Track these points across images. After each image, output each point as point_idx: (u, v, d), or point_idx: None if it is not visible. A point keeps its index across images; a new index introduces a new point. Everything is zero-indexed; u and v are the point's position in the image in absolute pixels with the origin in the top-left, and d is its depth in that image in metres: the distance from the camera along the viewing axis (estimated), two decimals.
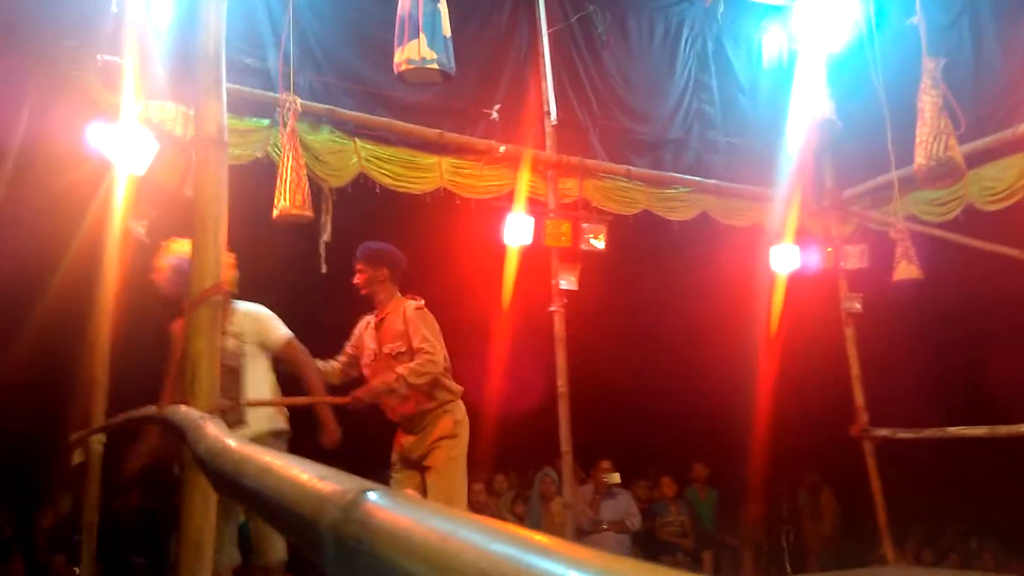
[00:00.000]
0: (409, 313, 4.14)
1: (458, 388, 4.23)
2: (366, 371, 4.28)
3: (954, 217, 6.19)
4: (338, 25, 5.70)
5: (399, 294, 4.30)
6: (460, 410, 4.19)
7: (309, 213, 4.97)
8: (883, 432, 6.52)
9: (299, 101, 5.18)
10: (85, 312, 5.12)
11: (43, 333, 5.96)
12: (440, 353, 4.07)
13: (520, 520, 7.06)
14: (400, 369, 3.99)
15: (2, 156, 4.46)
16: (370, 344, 4.28)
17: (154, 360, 3.25)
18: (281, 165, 4.96)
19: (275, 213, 4.87)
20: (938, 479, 6.96)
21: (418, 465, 4.15)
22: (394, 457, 4.26)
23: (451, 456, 4.08)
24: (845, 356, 6.88)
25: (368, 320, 4.37)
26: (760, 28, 7.48)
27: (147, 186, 4.35)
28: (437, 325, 4.19)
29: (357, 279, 4.30)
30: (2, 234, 4.64)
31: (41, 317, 5.86)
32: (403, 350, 4.12)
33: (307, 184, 4.99)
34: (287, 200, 4.84)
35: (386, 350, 4.19)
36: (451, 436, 4.10)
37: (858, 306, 6.86)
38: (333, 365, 4.41)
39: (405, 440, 4.20)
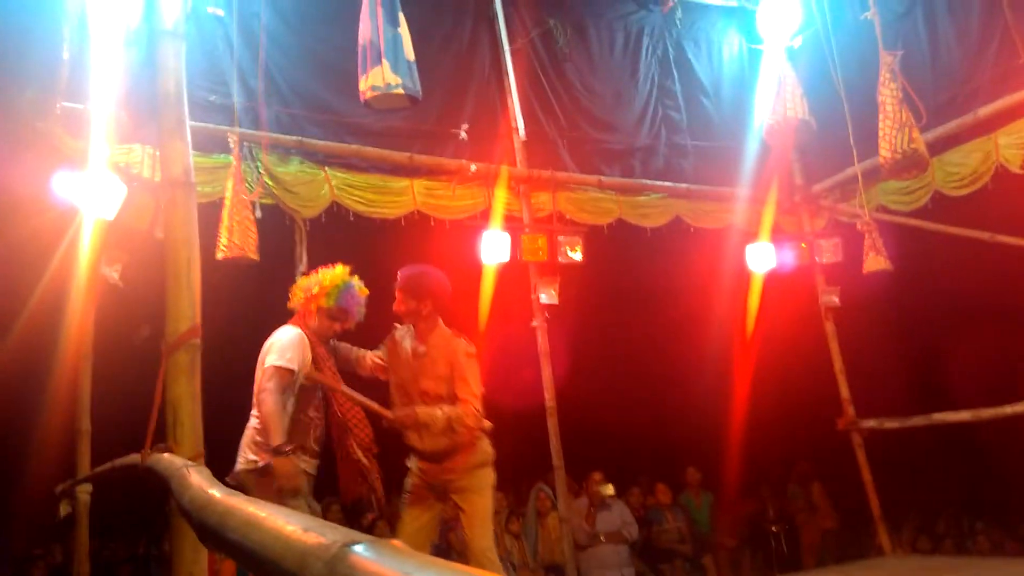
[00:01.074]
0: (460, 359, 4.01)
1: (488, 424, 4.13)
2: (394, 391, 4.13)
3: (923, 205, 6.26)
4: (301, 56, 5.69)
5: (443, 325, 4.14)
6: (488, 444, 4.13)
7: (254, 256, 4.86)
8: (870, 423, 6.56)
9: (239, 140, 5.12)
10: (55, 359, 5.07)
11: (16, 382, 5.88)
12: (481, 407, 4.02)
13: (516, 538, 7.03)
14: (448, 410, 3.90)
15: None
16: (406, 369, 4.09)
17: (135, 406, 3.21)
18: (228, 204, 4.88)
19: (220, 255, 4.79)
20: (927, 466, 7.02)
21: (442, 491, 4.05)
22: (413, 482, 4.10)
23: (487, 483, 4.06)
24: (827, 350, 6.92)
25: (405, 338, 4.16)
26: (718, 30, 7.58)
27: (118, 230, 4.31)
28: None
29: (396, 308, 4.13)
30: None
31: (12, 365, 5.78)
32: (443, 393, 3.98)
33: (253, 225, 4.90)
34: (237, 240, 4.76)
35: (424, 387, 4.01)
36: (485, 465, 4.07)
37: (836, 300, 6.90)
38: (370, 357, 4.26)
39: (427, 467, 4.06)
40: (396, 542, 0.88)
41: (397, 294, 4.13)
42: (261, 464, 3.83)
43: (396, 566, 0.80)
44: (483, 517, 4.02)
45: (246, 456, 3.91)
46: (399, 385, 4.12)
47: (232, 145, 5.09)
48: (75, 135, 4.59)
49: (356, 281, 4.18)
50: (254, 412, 3.94)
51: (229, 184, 4.94)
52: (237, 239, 4.78)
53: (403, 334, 4.19)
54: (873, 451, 6.56)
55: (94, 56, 4.50)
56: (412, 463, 4.13)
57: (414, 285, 4.09)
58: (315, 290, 4.09)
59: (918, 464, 7.00)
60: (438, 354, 4.04)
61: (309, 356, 3.97)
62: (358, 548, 0.89)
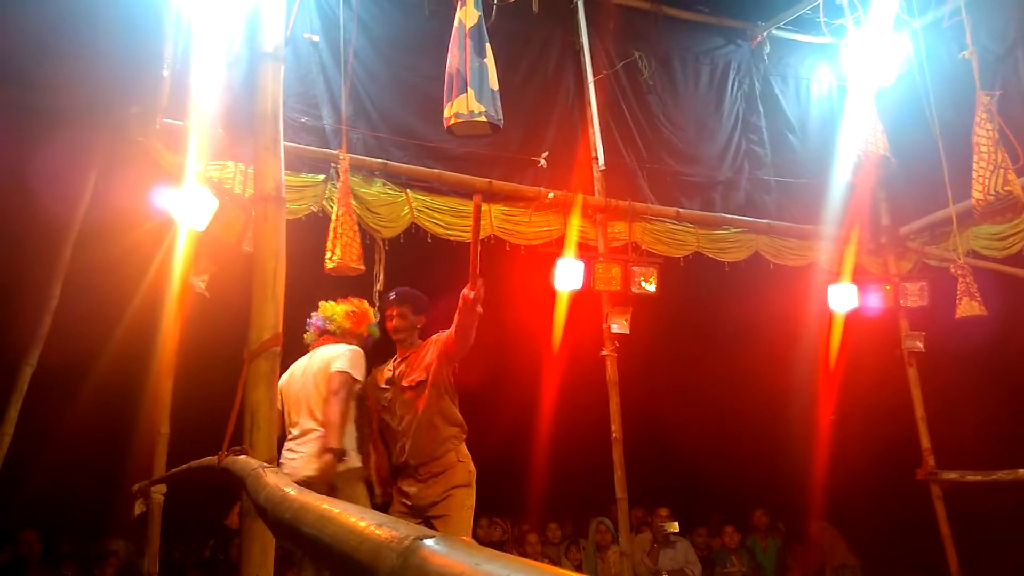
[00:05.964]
0: (433, 338, 4.11)
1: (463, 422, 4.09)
2: (385, 416, 4.15)
3: (1017, 251, 6.03)
4: (390, 83, 5.88)
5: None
6: (469, 458, 4.07)
7: (361, 267, 5.09)
8: (951, 475, 6.29)
9: (349, 158, 5.35)
10: (147, 364, 5.29)
11: (108, 384, 6.14)
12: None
13: (577, 567, 6.95)
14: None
15: (71, 220, 4.67)
16: (387, 389, 4.16)
17: (213, 411, 3.32)
18: (334, 219, 5.11)
19: (328, 265, 4.98)
20: (1011, 523, 6.65)
21: (423, 515, 3.98)
22: (395, 509, 4.06)
23: (465, 506, 3.97)
24: (908, 397, 6.67)
25: (376, 376, 4.27)
26: (807, 66, 7.49)
27: (207, 243, 4.49)
28: None
29: (398, 323, 4.18)
30: (71, 291, 4.82)
31: (106, 368, 6.05)
32: (423, 378, 4.02)
33: (359, 238, 5.11)
34: (340, 253, 4.97)
35: (405, 383, 4.08)
36: (466, 485, 3.99)
37: (920, 345, 6.68)
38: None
39: (409, 487, 4.02)
40: (466, 538, 0.90)
41: (394, 309, 4.19)
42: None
43: (465, 559, 0.82)
44: None
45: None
46: (387, 407, 4.14)
47: (338, 165, 5.34)
48: (173, 150, 4.83)
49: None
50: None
51: (336, 200, 5.16)
52: (344, 252, 5.00)
53: (375, 380, 4.24)
54: (953, 505, 6.27)
55: (195, 75, 4.74)
56: (397, 492, 4.10)
57: (414, 301, 4.25)
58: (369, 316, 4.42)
59: (1001, 522, 6.64)
60: (416, 352, 4.15)
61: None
62: (429, 542, 0.92)
